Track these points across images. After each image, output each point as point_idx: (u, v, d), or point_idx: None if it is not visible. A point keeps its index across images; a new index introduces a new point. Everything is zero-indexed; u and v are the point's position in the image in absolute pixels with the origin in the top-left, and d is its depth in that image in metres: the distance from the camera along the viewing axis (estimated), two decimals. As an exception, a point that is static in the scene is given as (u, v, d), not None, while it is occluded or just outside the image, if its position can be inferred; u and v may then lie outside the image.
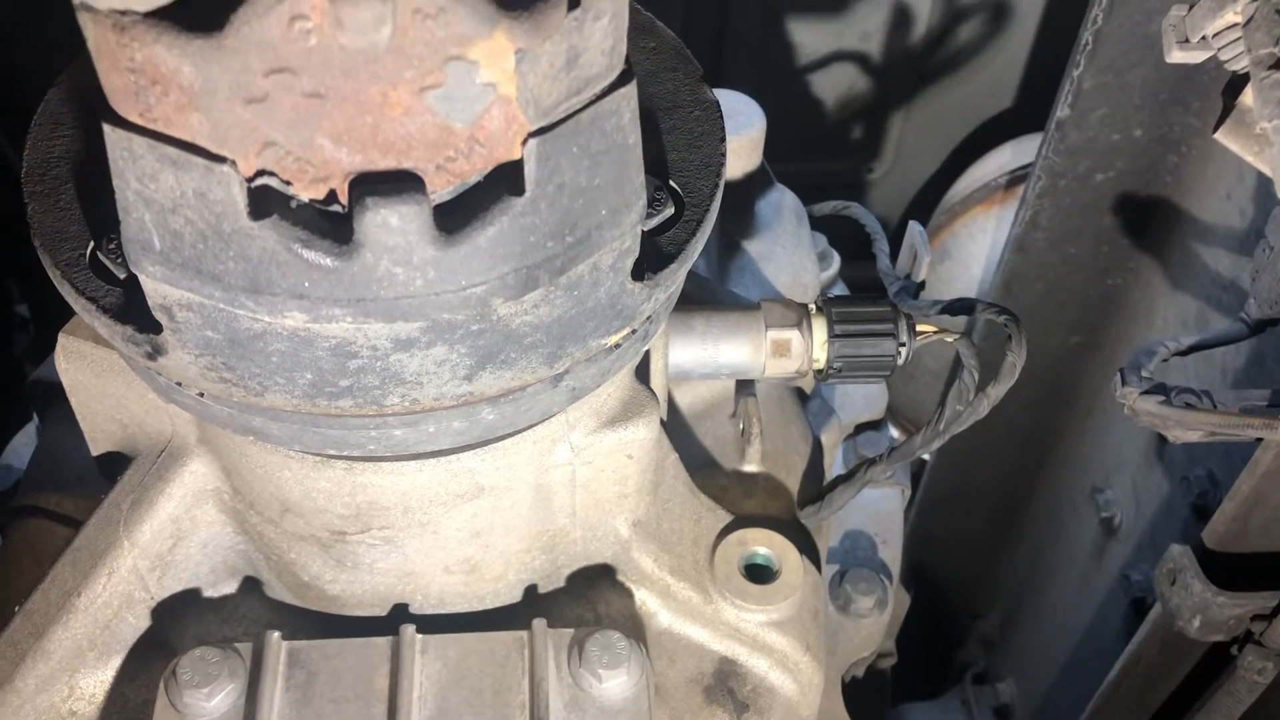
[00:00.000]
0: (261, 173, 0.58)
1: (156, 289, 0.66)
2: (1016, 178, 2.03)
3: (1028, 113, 2.22)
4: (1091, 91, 1.58)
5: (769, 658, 0.98)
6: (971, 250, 2.05)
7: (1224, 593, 1.22)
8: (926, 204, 2.32)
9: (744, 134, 1.28)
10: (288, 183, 0.59)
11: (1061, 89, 1.60)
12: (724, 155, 0.81)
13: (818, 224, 1.47)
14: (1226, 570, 1.25)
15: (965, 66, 2.31)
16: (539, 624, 0.87)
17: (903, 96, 2.34)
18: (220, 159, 0.57)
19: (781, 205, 1.35)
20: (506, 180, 0.62)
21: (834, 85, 2.31)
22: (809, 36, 2.24)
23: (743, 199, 1.32)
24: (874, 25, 2.23)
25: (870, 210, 1.51)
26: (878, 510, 1.34)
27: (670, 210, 0.78)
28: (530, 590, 0.95)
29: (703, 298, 1.10)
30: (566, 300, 0.70)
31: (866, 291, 1.26)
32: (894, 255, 1.32)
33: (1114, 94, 1.58)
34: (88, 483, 1.00)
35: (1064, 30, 1.65)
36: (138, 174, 0.59)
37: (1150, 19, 1.49)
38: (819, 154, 2.38)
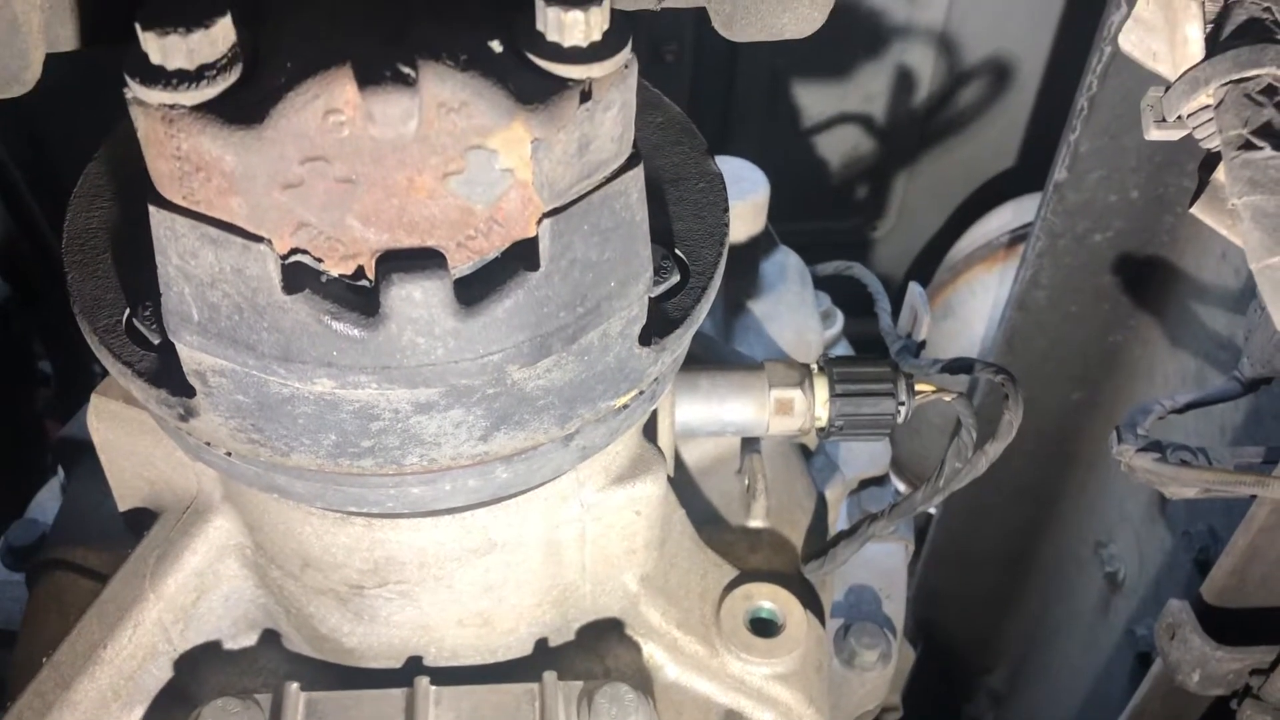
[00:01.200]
0: (295, 251, 0.63)
1: (192, 356, 0.70)
2: (1018, 236, 2.06)
3: (1029, 172, 2.26)
4: (1088, 154, 1.62)
5: (774, 710, 1.00)
6: (974, 307, 2.08)
7: (1222, 647, 1.23)
8: (929, 262, 2.36)
9: (748, 199, 1.32)
10: (319, 260, 0.63)
11: (1059, 152, 1.64)
12: (727, 225, 0.85)
13: (822, 283, 1.51)
14: (1225, 625, 1.26)
15: (967, 128, 2.35)
16: (549, 676, 0.90)
17: (906, 157, 2.39)
18: (257, 238, 0.62)
19: (785, 266, 1.38)
20: (522, 256, 0.66)
21: (839, 146, 2.36)
22: (814, 99, 2.29)
23: (748, 261, 1.36)
24: (878, 88, 2.28)
25: (874, 268, 1.55)
26: (882, 565, 1.36)
27: (676, 278, 0.81)
28: (541, 643, 0.98)
29: (708, 357, 1.13)
30: (577, 365, 0.73)
31: (870, 348, 1.30)
32: (897, 313, 1.35)
33: (1110, 157, 1.62)
34: (113, 537, 1.03)
35: (1063, 92, 1.69)
36: (179, 251, 0.63)
37: (1142, 86, 1.53)
38: (825, 213, 2.42)
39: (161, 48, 0.56)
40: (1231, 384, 1.29)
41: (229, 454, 0.77)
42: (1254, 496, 1.19)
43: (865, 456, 1.40)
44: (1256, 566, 1.24)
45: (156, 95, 0.57)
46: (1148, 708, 1.42)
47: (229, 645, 0.98)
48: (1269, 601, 1.26)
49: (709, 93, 2.26)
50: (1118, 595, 1.87)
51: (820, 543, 1.15)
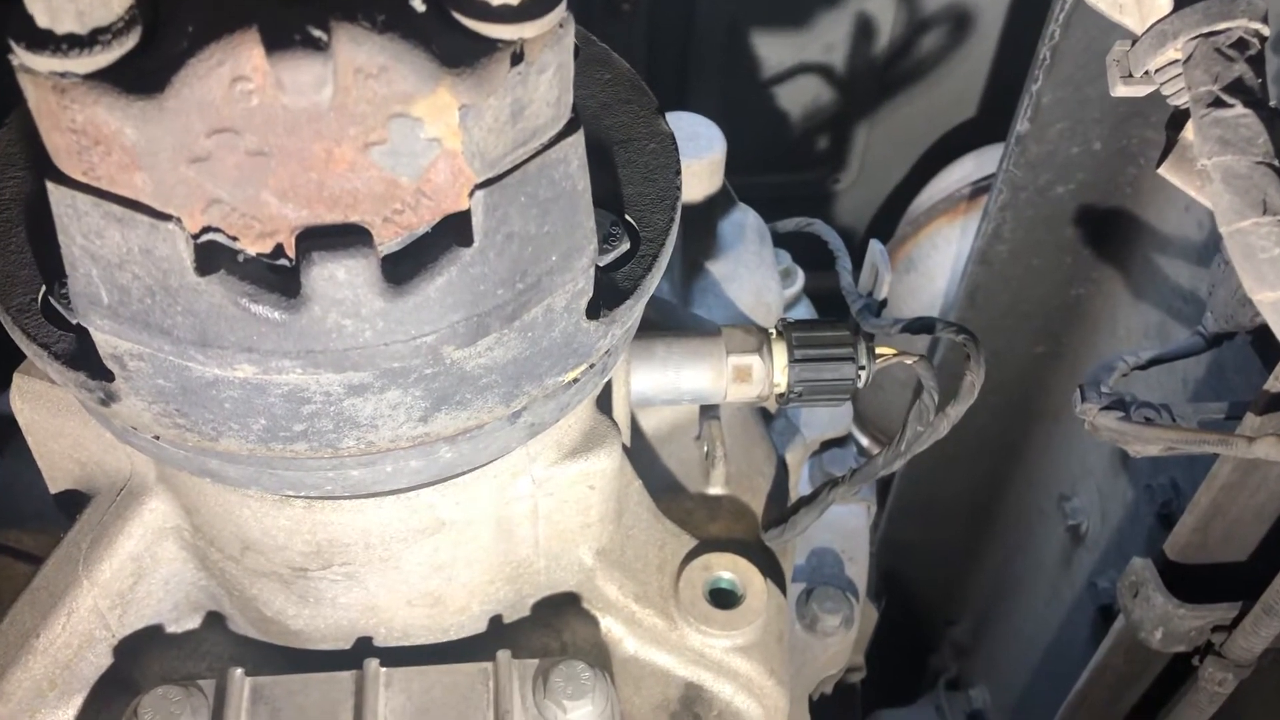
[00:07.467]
0: (207, 229, 0.58)
1: (107, 340, 0.66)
2: (980, 188, 2.04)
3: (991, 122, 2.23)
4: (1050, 106, 1.59)
5: (734, 683, 0.98)
6: (937, 261, 2.06)
7: (1185, 605, 1.24)
8: (892, 214, 2.33)
9: (705, 156, 1.28)
10: (234, 238, 0.59)
11: (1021, 103, 1.61)
12: (679, 188, 0.81)
13: (782, 239, 1.48)
14: (1188, 582, 1.26)
15: (928, 77, 2.32)
16: (503, 655, 0.88)
17: (867, 107, 2.36)
18: (165, 216, 0.57)
19: (744, 225, 1.35)
20: (455, 231, 0.62)
21: (799, 98, 2.32)
22: (773, 50, 2.25)
23: (705, 220, 1.33)
24: (837, 37, 2.24)
25: (836, 221, 1.52)
26: (844, 527, 1.35)
27: (626, 245, 0.78)
28: (495, 620, 0.95)
29: (664, 322, 1.10)
30: (521, 342, 0.70)
31: (832, 303, 1.28)
32: (860, 269, 1.32)
33: (1073, 108, 1.60)
34: (47, 518, 1.00)
35: (1025, 39, 1.67)
36: (83, 230, 0.59)
37: (1106, 35, 1.51)
38: (786, 167, 2.39)
39: (49, 9, 0.51)
40: (1195, 339, 1.28)
41: (157, 437, 0.73)
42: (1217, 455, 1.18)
43: (826, 417, 1.38)
44: (1219, 523, 1.24)
45: (45, 62, 0.52)
46: (1110, 664, 1.42)
47: (171, 629, 0.95)
48: (1231, 557, 1.26)
49: (666, 44, 2.21)
50: (1080, 548, 1.88)
51: (781, 508, 1.14)
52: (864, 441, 2.19)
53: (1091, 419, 1.11)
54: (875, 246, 1.30)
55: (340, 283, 0.59)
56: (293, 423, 0.68)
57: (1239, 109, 0.65)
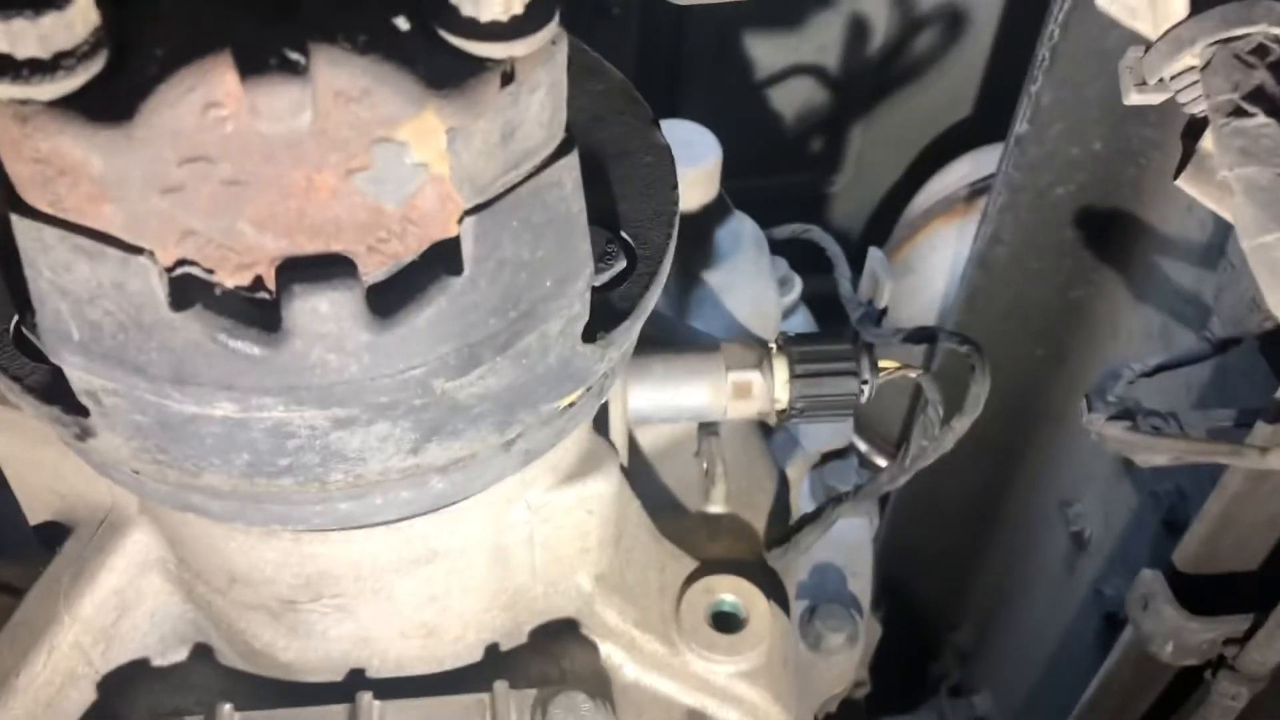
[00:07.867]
0: (182, 262, 0.55)
1: (79, 376, 0.63)
2: (977, 189, 2.02)
3: (987, 121, 2.21)
4: (1050, 106, 1.57)
5: (738, 709, 0.96)
6: (934, 263, 2.04)
7: (1196, 618, 1.21)
8: (888, 216, 2.31)
9: (700, 165, 1.26)
10: (210, 271, 0.56)
11: (1020, 104, 1.59)
12: (676, 203, 0.79)
13: (778, 244, 1.45)
14: (1198, 593, 1.24)
15: (924, 76, 2.30)
16: (500, 686, 0.85)
17: (862, 108, 2.33)
18: (137, 250, 0.54)
19: (741, 234, 1.33)
20: (443, 259, 0.59)
21: (792, 99, 2.30)
22: (765, 50, 2.22)
23: (701, 230, 1.30)
24: (831, 37, 2.22)
25: (832, 224, 1.49)
26: (846, 542, 1.32)
27: (622, 263, 0.75)
28: (492, 649, 0.93)
29: (662, 337, 1.07)
30: (514, 370, 0.67)
31: (830, 307, 1.25)
32: (857, 269, 1.30)
33: (1072, 108, 1.57)
34: (32, 549, 0.97)
35: (1021, 37, 1.64)
36: (51, 264, 0.56)
37: (1106, 34, 1.49)
38: (780, 169, 2.36)
39: (8, 32, 0.48)
40: (1201, 344, 1.26)
41: (136, 472, 0.70)
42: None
43: (827, 429, 1.35)
44: (1230, 533, 1.21)
45: (5, 89, 0.49)
46: (1119, 675, 1.40)
47: (157, 662, 0.92)
48: (1243, 567, 1.24)
49: (658, 46, 2.19)
50: (1084, 554, 1.85)
51: (783, 525, 1.11)
52: (864, 448, 2.16)
53: (1098, 429, 1.09)
54: (875, 254, 1.28)
55: (323, 316, 0.56)
56: (277, 457, 0.65)
57: (1261, 118, 0.63)
